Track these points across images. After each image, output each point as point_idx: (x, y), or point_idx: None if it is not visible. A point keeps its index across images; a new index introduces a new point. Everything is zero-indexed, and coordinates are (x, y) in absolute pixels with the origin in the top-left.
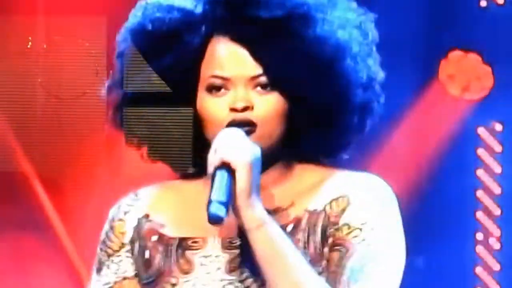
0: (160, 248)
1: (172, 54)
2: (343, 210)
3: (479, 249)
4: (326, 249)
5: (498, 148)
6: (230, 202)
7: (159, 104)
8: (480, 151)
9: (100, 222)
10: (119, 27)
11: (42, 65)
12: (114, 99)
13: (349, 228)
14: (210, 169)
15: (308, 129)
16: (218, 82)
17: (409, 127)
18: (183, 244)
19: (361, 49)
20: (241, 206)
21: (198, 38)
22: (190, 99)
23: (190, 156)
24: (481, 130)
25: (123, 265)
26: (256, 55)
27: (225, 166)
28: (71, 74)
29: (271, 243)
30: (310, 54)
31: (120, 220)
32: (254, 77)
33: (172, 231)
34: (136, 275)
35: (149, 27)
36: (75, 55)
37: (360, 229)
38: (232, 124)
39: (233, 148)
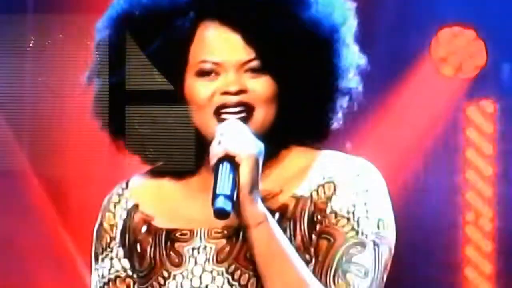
0: (150, 240)
1: (160, 40)
2: (330, 197)
3: (469, 228)
4: (313, 236)
5: (489, 128)
6: (235, 198)
7: (161, 102)
8: (470, 131)
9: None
10: None
11: (43, 64)
12: (94, 89)
13: (336, 216)
14: (213, 160)
15: (296, 112)
16: (208, 67)
17: (399, 105)
18: (171, 236)
19: (350, 34)
20: (242, 201)
21: (186, 23)
22: (177, 84)
23: (192, 155)
24: (471, 110)
25: (115, 263)
26: (249, 39)
27: (229, 158)
28: (72, 72)
29: (270, 241)
30: (305, 36)
31: (110, 211)
32: (246, 62)
33: (160, 222)
34: (128, 276)
35: (136, 13)
36: (76, 54)
37: (348, 219)
38: (226, 106)
39: (238, 141)
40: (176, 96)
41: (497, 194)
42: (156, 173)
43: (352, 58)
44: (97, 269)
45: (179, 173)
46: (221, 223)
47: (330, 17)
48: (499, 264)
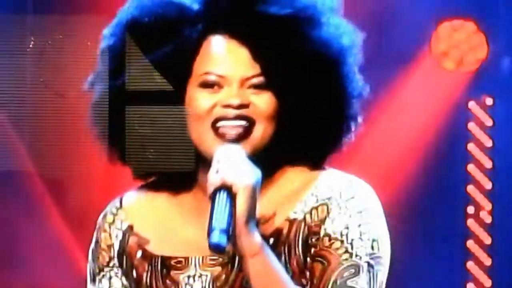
0: (146, 266)
1: (166, 48)
2: (323, 220)
3: (470, 222)
4: (308, 260)
5: (489, 122)
6: (231, 230)
7: (161, 104)
8: (471, 126)
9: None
10: None
11: (44, 64)
12: (95, 94)
13: (330, 239)
14: (210, 189)
15: (295, 133)
16: (212, 79)
17: (400, 101)
18: (167, 263)
19: (357, 59)
20: (239, 232)
21: (194, 34)
22: (179, 94)
23: (192, 156)
24: (472, 104)
25: (115, 281)
26: (256, 55)
27: (226, 188)
28: (73, 73)
29: (266, 271)
30: (313, 56)
31: (105, 231)
32: (250, 77)
33: (155, 247)
34: None
35: (145, 20)
36: (76, 54)
37: (341, 241)
38: (225, 118)
39: (235, 170)
40: (176, 98)
41: (497, 188)
42: (150, 188)
43: (357, 85)
44: (96, 286)
45: (173, 190)
46: None
47: (339, 39)
48: (499, 258)
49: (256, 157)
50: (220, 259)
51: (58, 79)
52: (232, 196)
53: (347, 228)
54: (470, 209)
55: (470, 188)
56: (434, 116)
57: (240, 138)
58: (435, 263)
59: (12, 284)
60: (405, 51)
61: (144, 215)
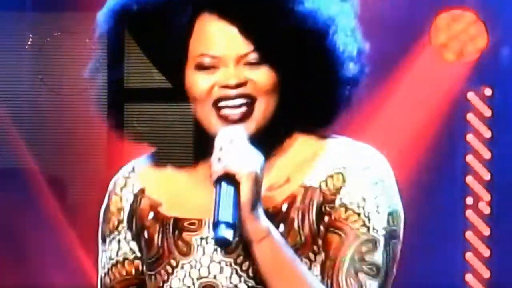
0: (157, 227)
1: (158, 34)
2: (339, 189)
3: (469, 213)
4: (322, 228)
5: (487, 113)
6: (238, 222)
7: (160, 100)
8: (470, 116)
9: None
10: None
11: (42, 62)
12: (96, 82)
13: (346, 210)
14: (214, 177)
15: (298, 101)
16: (207, 60)
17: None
18: (179, 225)
19: (350, 22)
20: (244, 219)
21: (185, 17)
22: (178, 78)
23: (191, 152)
24: (471, 95)
25: (123, 246)
26: (246, 32)
27: (229, 176)
28: (71, 70)
29: (274, 254)
30: (301, 29)
31: (116, 194)
32: (245, 55)
33: (167, 210)
34: (136, 258)
35: (134, 8)
36: (75, 52)
37: (358, 214)
38: (226, 98)
39: (237, 158)
40: (175, 92)
41: (496, 179)
42: (163, 156)
43: (353, 45)
44: (105, 251)
45: (187, 159)
46: None
47: (326, 9)
48: (498, 248)
49: (264, 128)
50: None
51: (56, 76)
52: (236, 184)
53: (364, 200)
54: (469, 200)
55: (469, 179)
56: (433, 107)
57: (244, 117)
58: (434, 254)
59: (12, 283)
60: (404, 43)
61: (156, 179)
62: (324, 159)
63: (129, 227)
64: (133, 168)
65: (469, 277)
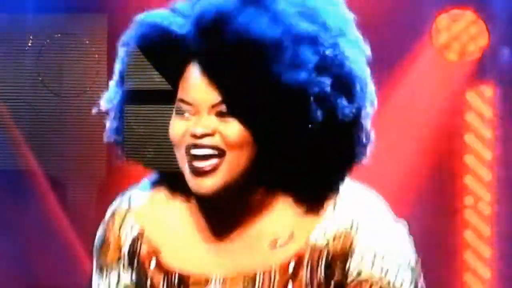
0: (161, 278)
1: (160, 73)
2: (347, 252)
3: (469, 213)
4: (332, 284)
5: (488, 112)
6: None
7: (160, 102)
8: (469, 117)
9: (102, 218)
10: (119, 24)
11: (42, 63)
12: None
13: (360, 276)
14: None
15: (273, 158)
16: (183, 107)
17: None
18: (184, 280)
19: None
20: None
21: (180, 61)
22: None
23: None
24: (471, 95)
25: (123, 276)
26: (215, 82)
27: None
28: (71, 72)
29: None
30: (272, 88)
31: (114, 234)
32: (215, 105)
33: (170, 258)
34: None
35: (137, 43)
36: (75, 53)
37: (371, 284)
38: (196, 146)
39: None
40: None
41: (496, 178)
42: (161, 187)
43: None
44: (103, 280)
45: (188, 192)
46: (236, 268)
47: (298, 73)
48: (498, 248)
49: (246, 180)
50: (243, 279)
51: (56, 78)
52: None
53: (379, 268)
54: (469, 200)
55: (469, 179)
56: (434, 107)
57: (213, 170)
58: (433, 254)
59: (12, 282)
60: (406, 45)
61: (156, 219)
62: (329, 211)
63: (130, 264)
64: (129, 204)
65: (469, 277)
